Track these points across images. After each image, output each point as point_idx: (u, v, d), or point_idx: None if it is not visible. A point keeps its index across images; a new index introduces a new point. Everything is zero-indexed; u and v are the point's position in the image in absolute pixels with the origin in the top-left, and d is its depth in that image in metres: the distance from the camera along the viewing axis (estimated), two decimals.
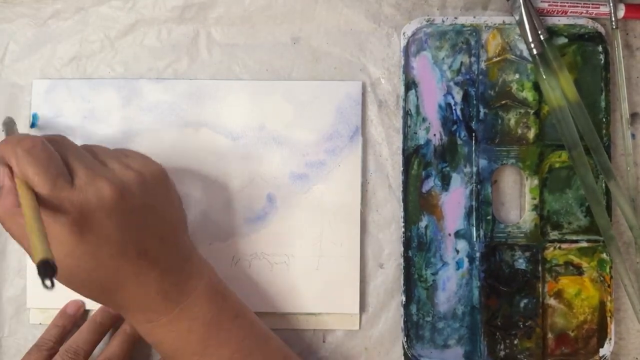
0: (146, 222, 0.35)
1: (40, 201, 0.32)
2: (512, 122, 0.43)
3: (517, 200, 0.44)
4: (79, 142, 0.36)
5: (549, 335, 0.42)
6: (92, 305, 0.42)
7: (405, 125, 0.43)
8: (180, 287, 0.36)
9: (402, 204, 0.42)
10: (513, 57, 0.43)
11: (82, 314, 0.42)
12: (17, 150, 0.32)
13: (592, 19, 0.43)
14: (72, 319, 0.41)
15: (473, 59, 0.43)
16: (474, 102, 0.43)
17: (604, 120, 0.43)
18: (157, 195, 0.36)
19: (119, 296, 0.35)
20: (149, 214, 0.35)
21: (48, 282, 0.27)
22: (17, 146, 0.32)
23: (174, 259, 0.36)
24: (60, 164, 0.33)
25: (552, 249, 0.43)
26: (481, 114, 0.43)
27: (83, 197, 0.32)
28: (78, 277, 0.33)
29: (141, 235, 0.34)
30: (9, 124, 0.39)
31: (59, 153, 0.33)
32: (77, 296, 0.42)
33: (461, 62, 0.43)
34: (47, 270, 0.27)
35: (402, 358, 0.42)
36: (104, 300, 0.36)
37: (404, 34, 0.43)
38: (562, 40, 0.43)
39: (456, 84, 0.43)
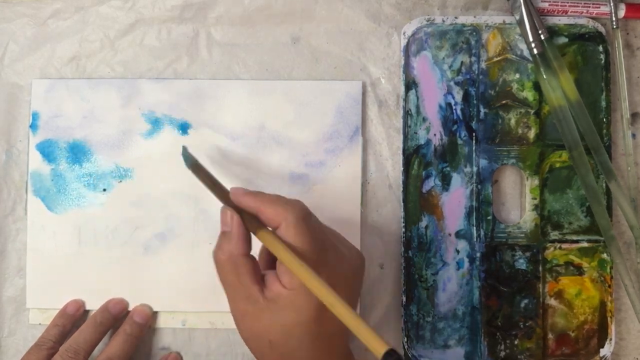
0: (351, 304, 0.35)
1: None
2: (513, 122, 0.43)
3: (518, 200, 0.43)
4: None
5: (550, 335, 0.42)
6: (92, 305, 0.42)
7: (405, 125, 0.42)
8: None
9: (402, 204, 0.42)
10: (513, 56, 0.43)
11: (82, 314, 0.42)
12: (289, 217, 0.32)
13: (593, 18, 0.43)
14: (72, 319, 0.41)
15: (473, 58, 0.43)
16: (474, 102, 0.43)
17: (604, 120, 0.43)
18: (360, 281, 0.38)
19: None
20: (354, 297, 0.37)
21: None
22: (291, 212, 0.32)
23: (345, 341, 0.36)
24: (319, 237, 0.33)
25: (552, 249, 0.42)
26: (481, 113, 0.42)
27: (332, 273, 0.33)
28: (286, 349, 0.33)
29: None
30: (200, 169, 0.36)
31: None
32: (76, 296, 0.42)
33: (461, 62, 0.43)
34: (395, 358, 0.27)
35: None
36: None
37: (404, 33, 0.43)
38: (563, 39, 0.43)
39: (456, 83, 0.43)
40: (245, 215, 0.33)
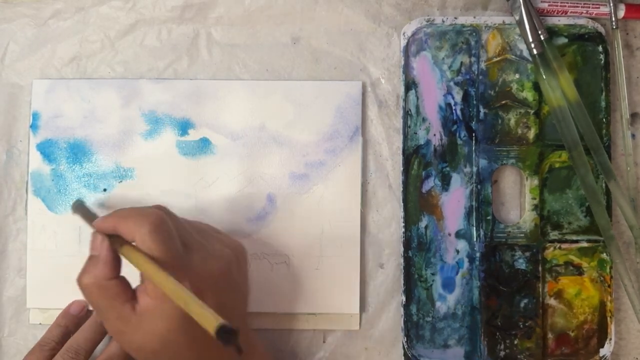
0: (232, 299, 0.36)
1: None
2: (512, 122, 0.43)
3: (517, 200, 0.44)
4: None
5: (549, 335, 0.42)
6: None
7: (405, 125, 0.43)
8: None
9: (402, 204, 0.42)
10: (513, 57, 0.43)
11: (85, 315, 0.42)
12: (142, 230, 0.32)
13: (592, 19, 0.43)
14: (75, 320, 0.41)
15: (473, 59, 0.43)
16: (474, 102, 0.43)
17: (604, 120, 0.43)
18: (241, 272, 0.38)
19: None
20: (235, 291, 0.36)
21: (233, 348, 0.27)
22: (142, 224, 0.33)
23: (245, 333, 0.36)
24: (178, 241, 0.33)
25: (552, 249, 0.43)
26: (481, 114, 0.43)
27: (198, 275, 0.33)
28: (169, 354, 0.33)
29: (228, 311, 0.34)
30: (81, 208, 0.39)
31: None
32: (77, 296, 0.42)
33: (461, 62, 0.43)
34: (229, 334, 0.27)
35: (402, 358, 0.42)
36: None
37: (404, 34, 0.43)
38: (562, 40, 0.43)
39: (456, 84, 0.43)
40: (113, 238, 0.34)
